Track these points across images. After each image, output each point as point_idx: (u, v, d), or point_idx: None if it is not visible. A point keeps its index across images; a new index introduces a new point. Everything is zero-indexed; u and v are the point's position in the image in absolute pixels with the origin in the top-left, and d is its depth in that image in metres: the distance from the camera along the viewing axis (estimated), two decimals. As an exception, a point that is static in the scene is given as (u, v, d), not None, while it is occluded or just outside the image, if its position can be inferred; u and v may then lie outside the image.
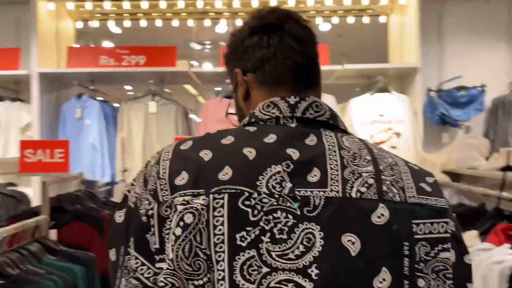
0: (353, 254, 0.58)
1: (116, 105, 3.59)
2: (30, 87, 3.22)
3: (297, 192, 0.60)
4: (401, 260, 0.60)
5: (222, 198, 0.59)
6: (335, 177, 0.62)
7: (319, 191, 0.61)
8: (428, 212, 0.63)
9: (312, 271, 0.57)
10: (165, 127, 3.35)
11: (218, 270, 0.58)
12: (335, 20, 3.86)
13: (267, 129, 0.67)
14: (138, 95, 3.42)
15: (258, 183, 0.60)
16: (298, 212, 0.59)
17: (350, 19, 3.82)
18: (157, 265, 0.60)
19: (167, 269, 0.59)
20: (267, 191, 0.60)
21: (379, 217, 0.60)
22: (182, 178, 0.62)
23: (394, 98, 3.25)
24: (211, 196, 0.59)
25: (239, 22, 3.80)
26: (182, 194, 0.61)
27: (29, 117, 3.30)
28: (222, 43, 4.60)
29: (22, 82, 3.45)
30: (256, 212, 0.59)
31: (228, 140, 0.65)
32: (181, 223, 0.59)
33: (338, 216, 0.59)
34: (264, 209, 0.59)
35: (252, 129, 0.67)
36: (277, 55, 0.73)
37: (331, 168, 0.63)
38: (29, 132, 3.33)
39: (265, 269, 0.57)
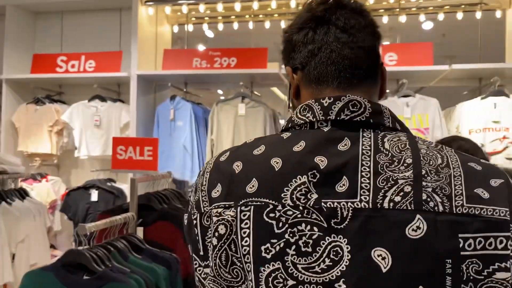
0: (383, 270, 0.55)
1: (207, 107, 3.63)
2: (130, 88, 3.37)
3: (323, 204, 0.58)
4: (442, 279, 0.54)
5: (249, 211, 0.61)
6: (365, 186, 0.58)
7: (347, 202, 0.58)
8: (481, 224, 0.55)
9: (339, 285, 0.56)
10: (254, 130, 3.29)
11: (248, 280, 0.60)
12: (440, 17, 3.52)
13: (299, 136, 0.64)
14: (229, 97, 3.41)
15: (282, 195, 0.60)
16: (325, 225, 0.58)
17: (459, 15, 3.45)
18: (205, 270, 0.65)
19: (210, 275, 0.64)
20: (291, 203, 0.59)
21: (414, 230, 0.55)
22: (217, 191, 0.65)
23: (511, 103, 2.83)
24: (238, 208, 0.62)
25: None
26: (216, 206, 0.64)
27: (128, 117, 3.45)
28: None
29: (123, 84, 3.64)
30: (280, 224, 0.59)
31: (259, 150, 0.65)
32: (216, 234, 0.63)
33: (366, 229, 0.56)
34: (289, 221, 0.59)
35: (286, 135, 0.66)
36: (322, 50, 0.68)
37: (362, 176, 0.59)
38: (128, 132, 3.49)
39: (291, 282, 0.58)
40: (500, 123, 2.83)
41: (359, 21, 0.69)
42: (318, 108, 0.65)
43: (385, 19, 3.58)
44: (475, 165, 0.61)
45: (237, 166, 0.65)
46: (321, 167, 0.60)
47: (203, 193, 0.67)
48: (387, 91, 3.45)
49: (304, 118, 0.66)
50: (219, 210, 0.63)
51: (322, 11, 0.69)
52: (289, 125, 0.68)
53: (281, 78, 3.29)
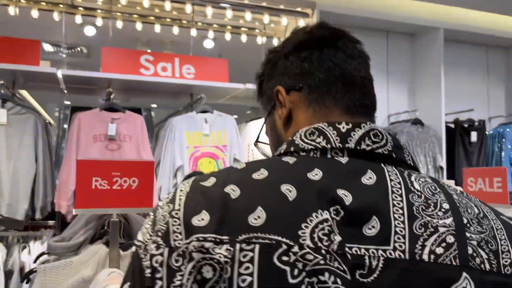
0: None
1: None
2: None
3: (347, 249, 0.48)
4: None
5: (252, 251, 0.46)
6: (400, 230, 0.49)
7: (377, 249, 0.48)
8: None
9: None
10: (19, 143, 2.54)
11: None
12: (226, 36, 3.61)
13: (310, 163, 0.54)
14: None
15: (300, 232, 0.47)
16: (348, 276, 0.47)
17: (243, 37, 3.62)
18: None
19: None
20: (312, 245, 0.47)
21: None
22: (202, 219, 0.48)
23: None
24: (237, 246, 0.47)
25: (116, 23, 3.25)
26: (201, 239, 0.47)
27: None
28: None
29: None
30: (296, 272, 0.46)
31: (260, 174, 0.52)
32: (198, 277, 0.46)
33: (402, 286, 0.47)
34: (307, 268, 0.46)
35: (290, 160, 0.55)
36: (330, 70, 0.63)
37: (396, 218, 0.50)
38: None
39: None
40: (285, 142, 3.07)
41: (362, 55, 0.66)
42: (334, 134, 0.56)
43: (175, 30, 3.43)
44: (506, 218, 0.57)
45: (233, 190, 0.50)
46: (346, 203, 0.50)
47: (175, 221, 0.49)
48: (181, 107, 3.29)
49: (313, 143, 0.56)
50: (207, 244, 0.47)
51: (328, 33, 0.65)
52: (291, 149, 0.57)
53: (58, 80, 2.68)
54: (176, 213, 0.49)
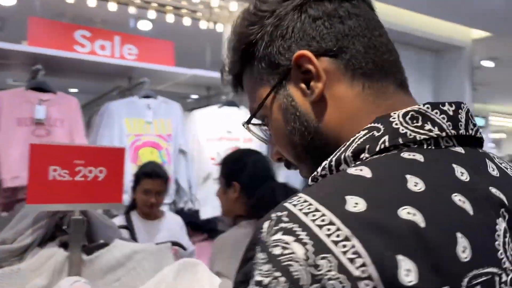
0: None
1: None
2: None
3: None
4: None
5: None
6: None
7: None
8: None
9: None
10: None
11: None
12: (168, 18, 3.37)
13: (441, 158, 0.44)
14: None
15: (498, 254, 0.38)
16: None
17: (186, 21, 3.40)
18: None
19: None
20: (510, 266, 0.38)
21: None
22: (408, 271, 0.33)
23: (243, 114, 2.98)
24: None
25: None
26: None
27: None
28: None
29: None
30: None
31: (415, 183, 0.39)
32: None
33: None
34: None
35: (418, 157, 0.43)
36: (372, 31, 0.51)
37: None
38: None
39: None
40: (232, 133, 2.94)
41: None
42: (444, 118, 0.46)
43: (111, 6, 3.11)
44: None
45: (413, 215, 0.36)
46: (506, 203, 0.42)
47: (368, 284, 0.32)
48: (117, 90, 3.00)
49: (424, 131, 0.45)
50: None
51: None
52: (399, 141, 0.44)
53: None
54: (363, 271, 0.33)
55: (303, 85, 0.51)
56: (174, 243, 1.20)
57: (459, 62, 3.97)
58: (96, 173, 1.07)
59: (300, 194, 0.39)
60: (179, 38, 3.10)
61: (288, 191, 1.55)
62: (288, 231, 0.35)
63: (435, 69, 4.09)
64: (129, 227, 2.08)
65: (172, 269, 0.95)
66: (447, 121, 0.46)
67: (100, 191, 1.07)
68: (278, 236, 0.36)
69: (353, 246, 0.34)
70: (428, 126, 0.45)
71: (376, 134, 0.45)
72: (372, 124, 0.46)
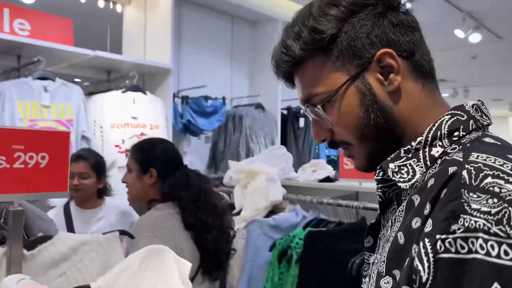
0: None
1: None
2: None
3: None
4: None
5: None
6: None
7: None
8: None
9: None
10: None
11: None
12: None
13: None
14: None
15: None
16: None
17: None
18: None
19: None
20: None
21: None
22: None
23: (149, 100, 2.88)
24: None
25: None
26: None
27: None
28: None
29: None
30: None
31: None
32: None
33: None
34: None
35: (502, 142, 0.57)
36: (424, 42, 0.64)
37: None
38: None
39: None
40: (138, 119, 2.81)
41: None
42: (485, 110, 0.61)
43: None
44: None
45: None
46: None
47: None
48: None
49: (484, 119, 0.60)
50: None
51: None
52: (479, 124, 0.59)
53: None
54: None
55: (380, 77, 0.61)
56: (122, 232, 1.14)
57: (273, 34, 3.68)
58: (38, 159, 0.96)
59: (475, 154, 0.51)
60: (74, 16, 2.85)
61: (200, 176, 1.71)
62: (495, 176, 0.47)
63: (251, 40, 3.93)
64: (66, 218, 1.91)
65: (137, 256, 0.92)
66: (488, 113, 0.61)
67: (42, 179, 0.97)
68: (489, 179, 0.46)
69: None
70: (485, 116, 0.60)
71: (461, 118, 0.58)
72: (453, 111, 0.59)
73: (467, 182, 0.47)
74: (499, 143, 0.55)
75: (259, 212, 1.90)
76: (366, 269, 0.71)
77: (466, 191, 0.46)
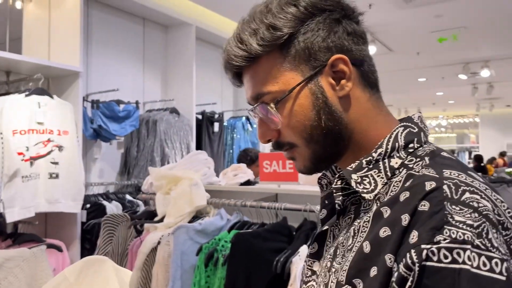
0: None
1: None
2: None
3: None
4: None
5: None
6: None
7: None
8: None
9: None
10: None
11: None
12: None
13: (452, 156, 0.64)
14: None
15: None
16: None
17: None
18: None
19: None
20: None
21: None
22: None
23: (56, 104, 2.69)
24: None
25: None
26: None
27: None
28: None
29: None
30: None
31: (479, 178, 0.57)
32: None
33: None
34: None
35: (452, 156, 0.64)
36: (367, 51, 0.67)
37: None
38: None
39: None
40: (44, 125, 2.61)
41: None
42: (425, 121, 0.66)
43: None
44: None
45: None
46: None
47: None
48: None
49: (427, 130, 0.65)
50: None
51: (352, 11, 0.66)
52: (424, 139, 0.64)
53: None
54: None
55: (333, 81, 0.62)
56: (50, 245, 1.07)
57: (187, 39, 3.75)
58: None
59: (447, 171, 0.55)
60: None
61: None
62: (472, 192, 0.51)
63: (164, 44, 3.89)
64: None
65: (74, 269, 0.88)
66: (426, 125, 0.66)
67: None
68: (467, 195, 0.51)
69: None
70: (426, 128, 0.65)
71: (413, 131, 0.63)
72: (405, 123, 0.64)
73: (449, 196, 0.50)
74: (454, 158, 0.59)
75: (183, 217, 1.90)
76: (308, 275, 0.71)
77: (448, 203, 0.49)
